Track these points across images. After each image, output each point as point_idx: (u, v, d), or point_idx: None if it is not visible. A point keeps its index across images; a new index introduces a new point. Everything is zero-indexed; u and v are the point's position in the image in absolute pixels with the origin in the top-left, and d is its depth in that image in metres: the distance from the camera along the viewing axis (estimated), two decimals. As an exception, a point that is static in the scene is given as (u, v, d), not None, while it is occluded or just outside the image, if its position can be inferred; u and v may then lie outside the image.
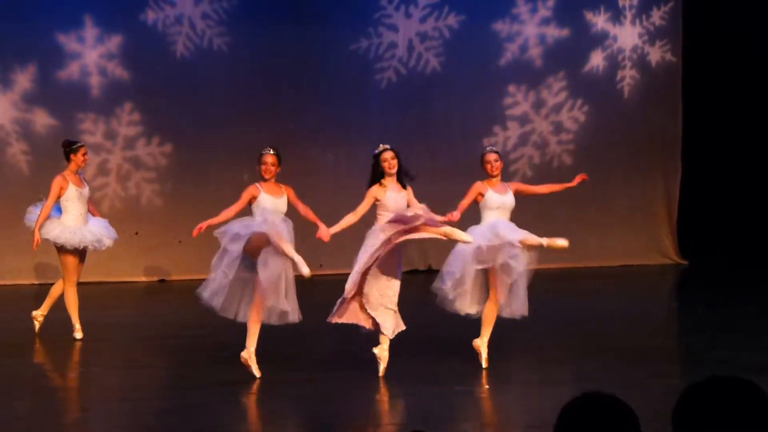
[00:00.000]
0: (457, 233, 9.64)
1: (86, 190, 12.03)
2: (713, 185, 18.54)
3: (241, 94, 17.04)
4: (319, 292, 16.32)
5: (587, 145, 18.14)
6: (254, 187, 10.05)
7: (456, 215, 9.91)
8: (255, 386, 9.73)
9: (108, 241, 12.09)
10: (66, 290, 11.92)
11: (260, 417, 8.85)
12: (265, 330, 12.93)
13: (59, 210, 11.86)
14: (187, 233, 17.14)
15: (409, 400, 9.36)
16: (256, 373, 9.81)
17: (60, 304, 11.97)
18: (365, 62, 17.44)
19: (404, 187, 10.01)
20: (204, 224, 9.94)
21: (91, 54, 16.62)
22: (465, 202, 10.30)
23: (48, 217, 11.77)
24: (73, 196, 11.84)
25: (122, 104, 16.76)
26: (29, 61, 16.42)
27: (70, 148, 12.00)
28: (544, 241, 10.05)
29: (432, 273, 10.75)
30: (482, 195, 10.33)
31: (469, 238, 9.69)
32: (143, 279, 16.86)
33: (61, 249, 11.84)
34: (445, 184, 17.16)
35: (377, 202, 9.93)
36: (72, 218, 11.84)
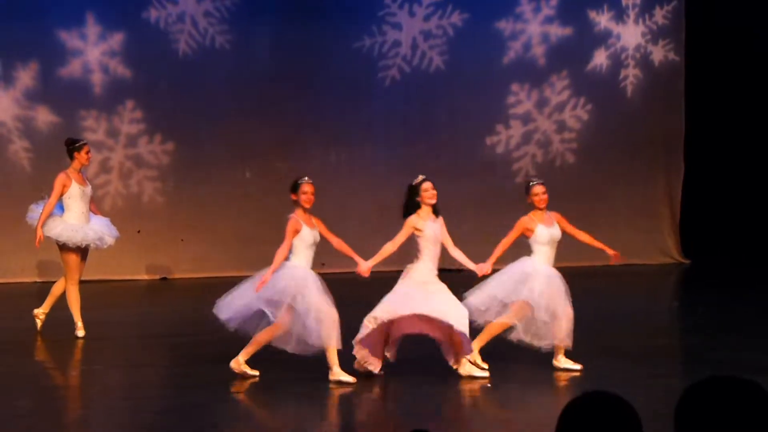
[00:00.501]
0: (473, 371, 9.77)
1: (89, 189, 12.02)
2: (715, 184, 18.52)
3: (243, 92, 17.03)
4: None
5: (590, 144, 18.13)
6: (295, 221, 9.80)
7: (487, 268, 9.97)
8: (256, 385, 9.72)
9: (110, 240, 12.08)
10: (68, 288, 11.91)
11: (261, 416, 8.84)
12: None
13: (61, 208, 11.85)
14: (188, 231, 17.30)
15: (410, 398, 9.35)
16: (254, 373, 9.79)
17: (62, 302, 11.96)
18: (368, 60, 17.42)
19: (437, 215, 9.96)
20: (267, 276, 9.65)
21: (93, 51, 16.61)
22: (509, 240, 10.26)
23: (50, 215, 11.76)
24: (75, 194, 11.83)
25: (124, 102, 16.75)
26: (31, 58, 16.40)
27: (73, 146, 11.98)
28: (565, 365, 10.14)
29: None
30: (531, 230, 10.27)
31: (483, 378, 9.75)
32: (145, 277, 16.85)
33: (63, 247, 11.82)
34: (448, 183, 17.18)
35: (416, 232, 9.84)
36: (74, 216, 11.83)
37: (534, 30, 17.92)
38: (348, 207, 17.04)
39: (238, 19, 16.98)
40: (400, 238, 9.90)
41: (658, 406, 8.55)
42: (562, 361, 10.13)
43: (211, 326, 13.00)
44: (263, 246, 17.22)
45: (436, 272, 9.84)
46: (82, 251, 11.91)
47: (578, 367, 10.07)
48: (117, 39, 16.66)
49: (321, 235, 9.94)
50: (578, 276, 16.83)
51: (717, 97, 18.43)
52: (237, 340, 12.09)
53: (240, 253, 16.99)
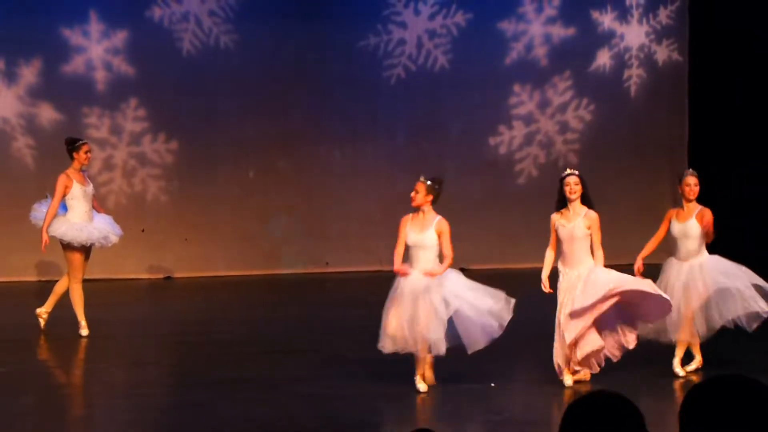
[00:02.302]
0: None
1: (90, 188, 12.02)
2: (719, 184, 18.46)
3: (248, 91, 17.02)
4: (325, 290, 16.34)
5: (593, 145, 18.10)
6: (408, 218, 9.57)
7: (638, 265, 10.16)
8: (259, 384, 9.72)
9: (114, 238, 12.09)
10: (71, 287, 11.91)
11: (264, 414, 8.84)
12: (268, 326, 12.95)
13: (65, 207, 11.86)
14: (192, 230, 17.29)
15: (414, 397, 9.35)
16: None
17: (65, 301, 11.97)
18: (374, 59, 17.41)
19: (589, 208, 9.91)
20: (406, 268, 9.33)
21: (96, 49, 16.61)
22: (660, 234, 10.42)
23: (54, 216, 11.77)
24: (77, 194, 11.83)
25: (128, 100, 16.75)
26: (34, 55, 16.40)
27: (72, 145, 11.98)
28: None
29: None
30: (666, 224, 10.34)
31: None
32: (148, 276, 16.85)
33: (67, 246, 11.82)
34: (451, 183, 17.15)
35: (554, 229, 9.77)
36: (78, 215, 11.83)
37: (536, 30, 17.90)
38: (351, 206, 17.05)
39: (242, 18, 16.97)
40: (551, 237, 9.83)
41: (663, 406, 8.55)
42: (675, 364, 10.14)
43: (215, 325, 13.03)
44: (267, 245, 17.32)
45: (576, 272, 9.70)
46: (86, 250, 11.92)
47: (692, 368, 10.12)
48: (120, 37, 16.66)
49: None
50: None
51: (721, 97, 18.40)
52: (240, 338, 12.11)
53: (243, 252, 17.01)
